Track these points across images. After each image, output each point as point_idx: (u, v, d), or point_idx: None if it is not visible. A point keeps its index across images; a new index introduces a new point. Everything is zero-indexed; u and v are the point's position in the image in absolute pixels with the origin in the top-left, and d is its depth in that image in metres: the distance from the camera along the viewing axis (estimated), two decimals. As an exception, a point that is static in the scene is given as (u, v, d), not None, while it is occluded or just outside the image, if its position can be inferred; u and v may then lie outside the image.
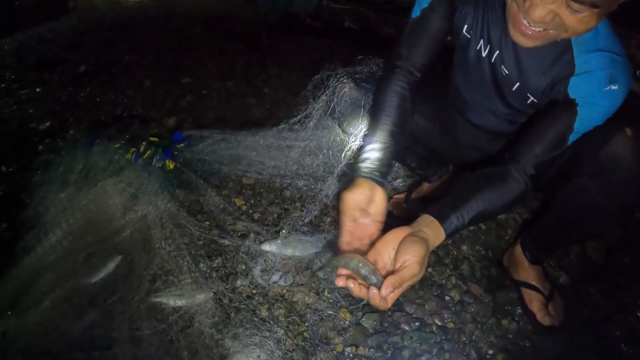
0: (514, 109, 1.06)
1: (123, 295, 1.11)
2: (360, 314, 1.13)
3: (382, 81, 1.03)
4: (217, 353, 1.01)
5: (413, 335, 1.08)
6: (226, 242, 1.27)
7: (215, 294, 1.12)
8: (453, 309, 1.17)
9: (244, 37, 2.90)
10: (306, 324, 1.09)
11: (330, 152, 1.39)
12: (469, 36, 1.00)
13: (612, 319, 1.16)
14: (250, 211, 1.43)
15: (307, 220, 1.31)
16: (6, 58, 2.54)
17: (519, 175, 0.89)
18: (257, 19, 3.26)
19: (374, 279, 0.72)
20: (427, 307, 1.16)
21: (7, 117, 1.93)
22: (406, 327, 1.11)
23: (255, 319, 1.08)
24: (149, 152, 1.50)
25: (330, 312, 1.11)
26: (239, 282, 1.18)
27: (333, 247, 1.20)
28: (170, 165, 1.50)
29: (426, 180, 1.48)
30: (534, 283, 1.17)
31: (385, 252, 0.77)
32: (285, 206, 1.45)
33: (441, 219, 0.80)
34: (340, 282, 0.74)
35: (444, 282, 1.23)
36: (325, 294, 1.16)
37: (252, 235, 1.30)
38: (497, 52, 0.97)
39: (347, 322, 1.10)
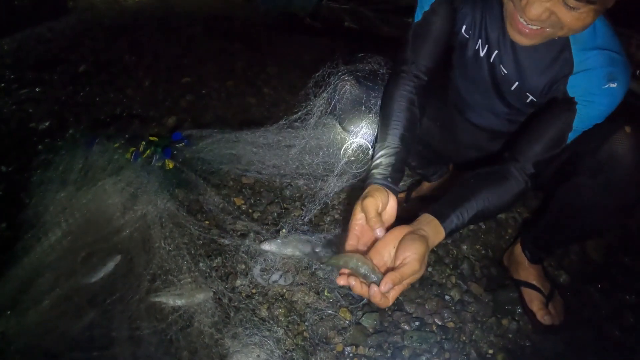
0: (513, 108, 1.06)
1: (122, 294, 1.11)
2: (360, 313, 1.12)
3: (388, 87, 1.01)
4: (216, 352, 1.00)
5: (413, 335, 1.08)
6: (226, 241, 1.27)
7: (214, 294, 1.12)
8: (453, 308, 1.17)
9: (244, 37, 2.90)
10: (306, 323, 1.09)
11: (331, 151, 1.39)
12: (467, 36, 1.01)
13: (612, 318, 1.16)
14: (250, 210, 1.42)
15: (307, 219, 1.30)
16: (6, 58, 2.53)
17: (518, 174, 0.89)
18: (257, 18, 3.26)
19: (374, 277, 0.71)
20: (427, 307, 1.16)
21: (7, 117, 1.93)
22: (406, 327, 1.11)
23: (255, 318, 1.08)
24: (148, 151, 1.50)
25: (330, 311, 1.11)
26: (238, 282, 1.18)
27: (334, 247, 1.19)
28: (170, 164, 1.50)
29: (426, 179, 1.48)
30: (534, 282, 1.17)
31: (385, 251, 0.77)
32: (285, 205, 1.45)
33: (441, 218, 0.80)
34: (341, 281, 0.74)
35: (444, 281, 1.23)
36: (325, 293, 1.16)
37: (251, 234, 1.29)
38: (496, 51, 0.97)
39: (347, 322, 1.10)
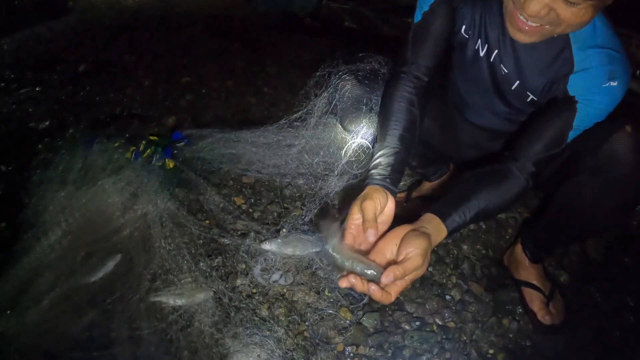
0: (513, 107, 1.06)
1: (122, 294, 1.11)
2: (360, 313, 1.12)
3: (388, 87, 1.01)
4: (217, 352, 1.00)
5: (414, 335, 1.08)
6: (226, 241, 1.27)
7: (215, 293, 1.12)
8: (454, 308, 1.16)
9: (244, 37, 2.90)
10: (306, 323, 1.09)
11: (331, 150, 1.38)
12: (467, 36, 1.01)
13: (612, 318, 1.16)
14: (250, 210, 1.42)
15: (307, 219, 1.30)
16: (5, 58, 2.53)
17: (519, 173, 0.89)
18: (257, 18, 3.26)
19: (375, 274, 0.71)
20: (427, 307, 1.16)
21: (7, 117, 1.93)
22: (407, 327, 1.11)
23: (256, 318, 1.08)
24: (148, 151, 1.49)
25: (330, 311, 1.11)
26: (239, 281, 1.17)
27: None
28: (170, 164, 1.50)
29: (426, 179, 1.48)
30: (534, 282, 1.16)
31: (388, 249, 0.76)
32: (286, 205, 1.45)
33: (443, 217, 0.80)
34: (343, 283, 0.73)
35: (444, 281, 1.23)
36: (326, 293, 1.16)
37: (252, 234, 1.29)
38: (496, 51, 0.97)
39: (347, 322, 1.10)
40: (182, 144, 1.59)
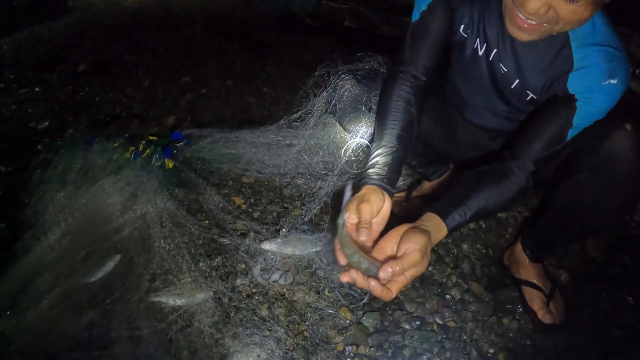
0: (513, 106, 1.06)
1: (122, 294, 1.11)
2: (360, 312, 1.12)
3: (386, 87, 1.01)
4: (217, 352, 1.00)
5: (414, 334, 1.08)
6: (226, 241, 1.27)
7: (215, 293, 1.12)
8: (454, 307, 1.16)
9: (243, 36, 2.90)
10: (306, 323, 1.09)
11: (330, 150, 1.38)
12: (465, 35, 1.01)
13: (612, 317, 1.16)
14: (250, 210, 1.42)
15: (307, 218, 1.30)
16: (5, 58, 2.53)
17: (519, 172, 0.88)
18: (256, 18, 3.26)
19: (374, 270, 0.71)
20: (427, 306, 1.16)
21: (6, 117, 1.93)
22: (407, 326, 1.11)
23: (256, 318, 1.08)
24: (148, 150, 1.49)
25: (330, 311, 1.11)
26: (238, 281, 1.17)
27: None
28: (170, 164, 1.50)
29: (426, 178, 1.47)
30: (534, 281, 1.16)
31: (388, 247, 0.77)
32: (285, 205, 1.44)
33: (443, 215, 0.80)
34: (345, 278, 0.73)
35: (444, 280, 1.23)
36: (326, 293, 1.16)
37: (251, 234, 1.29)
38: (495, 50, 0.97)
39: (347, 321, 1.10)
40: (181, 143, 1.59)
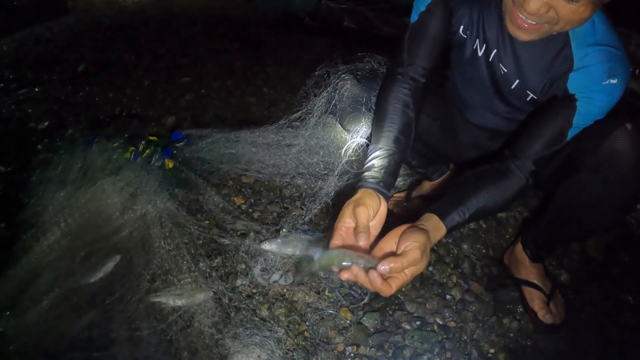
0: (513, 106, 1.06)
1: (122, 295, 1.11)
2: (361, 313, 1.12)
3: (383, 89, 1.00)
4: (217, 353, 1.00)
5: (414, 334, 1.08)
6: (226, 241, 1.27)
7: (215, 294, 1.12)
8: (454, 307, 1.16)
9: (243, 37, 2.90)
10: (307, 323, 1.09)
11: (331, 150, 1.38)
12: (465, 36, 1.00)
13: (613, 317, 1.16)
14: (250, 210, 1.42)
15: (307, 219, 1.30)
16: (5, 58, 2.53)
17: (519, 171, 0.88)
18: (256, 18, 3.26)
19: (371, 264, 0.71)
20: (428, 306, 1.16)
21: (6, 117, 1.93)
22: (407, 326, 1.11)
23: (256, 318, 1.08)
24: (148, 151, 1.49)
25: (331, 311, 1.11)
26: (239, 282, 1.17)
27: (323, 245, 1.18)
28: (170, 164, 1.50)
29: (426, 178, 1.47)
30: (535, 281, 1.16)
31: (388, 247, 0.76)
32: (285, 205, 1.44)
33: (442, 215, 0.80)
34: (345, 275, 0.72)
35: (444, 280, 1.23)
36: (326, 293, 1.16)
37: (252, 234, 1.29)
38: (495, 50, 0.97)
39: (348, 322, 1.10)
40: (181, 144, 1.59)
